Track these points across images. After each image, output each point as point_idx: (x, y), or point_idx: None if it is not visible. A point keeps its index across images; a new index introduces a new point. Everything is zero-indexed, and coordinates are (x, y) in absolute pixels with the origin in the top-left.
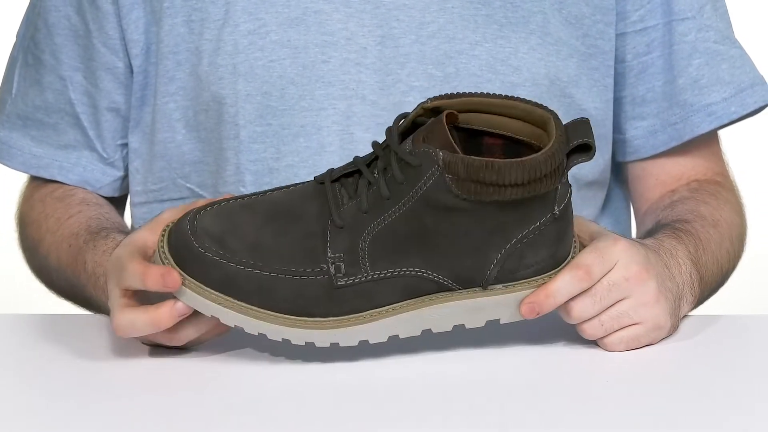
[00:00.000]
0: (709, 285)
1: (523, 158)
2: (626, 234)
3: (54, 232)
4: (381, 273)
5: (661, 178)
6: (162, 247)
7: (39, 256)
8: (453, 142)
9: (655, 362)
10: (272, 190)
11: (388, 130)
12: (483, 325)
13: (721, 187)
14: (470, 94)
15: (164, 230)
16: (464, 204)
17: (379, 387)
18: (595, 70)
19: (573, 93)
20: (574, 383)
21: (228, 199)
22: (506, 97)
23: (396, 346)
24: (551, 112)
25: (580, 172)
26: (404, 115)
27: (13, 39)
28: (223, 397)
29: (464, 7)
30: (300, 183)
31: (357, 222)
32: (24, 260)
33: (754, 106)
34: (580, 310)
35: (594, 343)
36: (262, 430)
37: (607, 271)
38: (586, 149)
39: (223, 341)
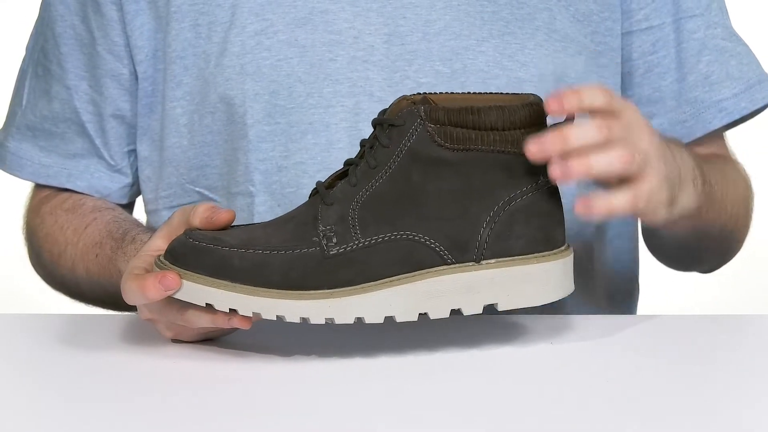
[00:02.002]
0: (720, 203)
1: (503, 105)
2: (633, 232)
3: (75, 244)
4: (372, 239)
5: None
6: (159, 258)
7: (62, 269)
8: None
9: (654, 362)
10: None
11: (374, 119)
12: (480, 311)
13: (730, 163)
14: (452, 92)
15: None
16: (449, 155)
17: (376, 387)
18: (605, 68)
19: None
20: (572, 383)
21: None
22: (490, 93)
23: (392, 348)
24: (535, 95)
25: None
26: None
27: (12, 51)
28: (226, 398)
29: (470, 4)
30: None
31: (346, 195)
32: (38, 275)
33: (763, 102)
34: (606, 129)
35: (591, 343)
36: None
37: (619, 109)
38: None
39: (226, 342)
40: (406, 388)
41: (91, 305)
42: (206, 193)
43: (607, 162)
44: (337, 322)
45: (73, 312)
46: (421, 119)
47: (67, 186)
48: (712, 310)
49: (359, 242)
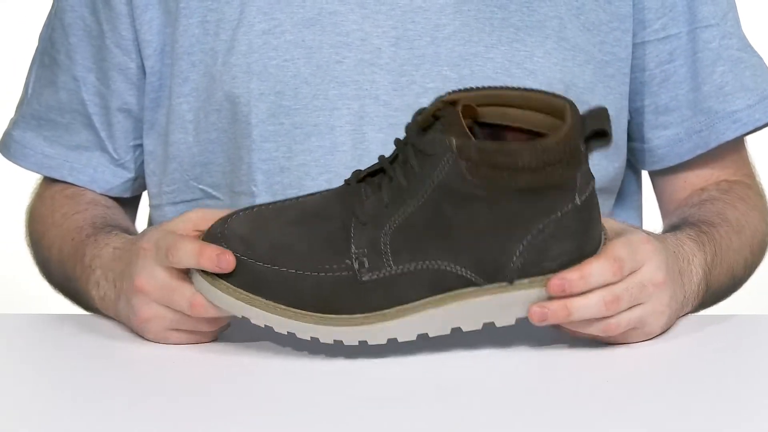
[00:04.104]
0: (715, 294)
1: (536, 141)
2: None
3: (59, 226)
4: (404, 266)
5: (690, 180)
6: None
7: (42, 249)
8: (467, 129)
9: (654, 362)
10: (307, 195)
11: (408, 124)
12: (513, 322)
13: (750, 189)
14: (488, 87)
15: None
16: (480, 191)
17: (380, 388)
18: (612, 78)
19: (588, 99)
20: (574, 383)
21: (262, 204)
22: (523, 89)
23: (396, 348)
24: (568, 100)
25: None
26: (423, 110)
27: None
28: (227, 398)
29: (480, 10)
30: (335, 188)
31: (379, 216)
32: (30, 255)
33: None
34: (617, 303)
35: (592, 344)
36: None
37: (635, 269)
38: (603, 135)
39: (227, 342)
40: (406, 387)
41: (56, 291)
42: (209, 190)
43: (593, 330)
44: (370, 343)
45: (73, 312)
46: (452, 153)
47: (69, 180)
48: (713, 310)
49: (391, 269)
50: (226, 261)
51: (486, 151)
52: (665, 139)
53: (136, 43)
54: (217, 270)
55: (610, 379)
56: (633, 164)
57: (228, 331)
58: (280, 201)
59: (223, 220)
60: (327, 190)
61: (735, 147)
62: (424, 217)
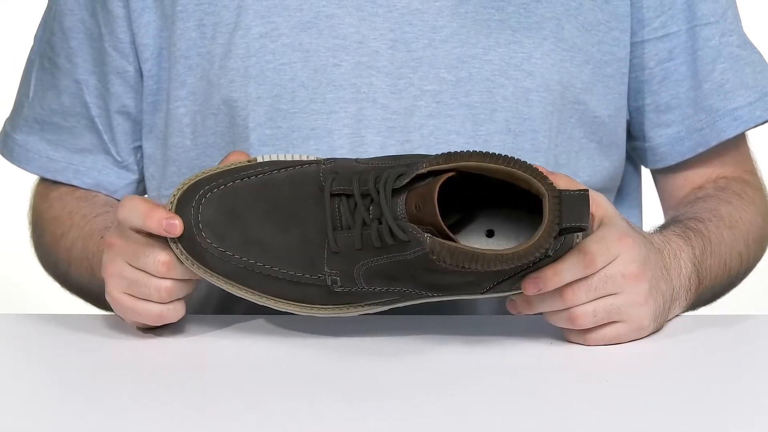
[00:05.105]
0: (711, 288)
1: (509, 250)
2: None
3: (81, 227)
4: (376, 289)
5: (690, 177)
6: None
7: (58, 250)
8: (442, 222)
9: (654, 362)
10: (274, 171)
11: (383, 188)
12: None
13: (748, 185)
14: (469, 156)
15: (171, 200)
16: (450, 272)
17: (378, 386)
18: (610, 78)
19: (587, 100)
20: (573, 383)
21: (233, 175)
22: (506, 161)
23: (392, 349)
24: (549, 186)
25: (590, 181)
26: (401, 172)
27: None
28: (227, 399)
29: (477, 12)
30: (306, 164)
31: (351, 254)
32: (36, 257)
33: None
34: (573, 294)
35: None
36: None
37: (608, 263)
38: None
39: (232, 337)
40: (405, 387)
41: (73, 293)
42: None
43: (562, 319)
44: (344, 317)
45: (73, 312)
46: (425, 248)
47: (74, 183)
48: (712, 310)
49: (363, 288)
50: (173, 226)
51: (458, 257)
52: (666, 137)
53: (134, 47)
54: (164, 234)
55: (610, 379)
56: (633, 162)
57: (228, 330)
58: (246, 172)
59: (196, 203)
60: (301, 165)
61: (736, 144)
62: (396, 269)
